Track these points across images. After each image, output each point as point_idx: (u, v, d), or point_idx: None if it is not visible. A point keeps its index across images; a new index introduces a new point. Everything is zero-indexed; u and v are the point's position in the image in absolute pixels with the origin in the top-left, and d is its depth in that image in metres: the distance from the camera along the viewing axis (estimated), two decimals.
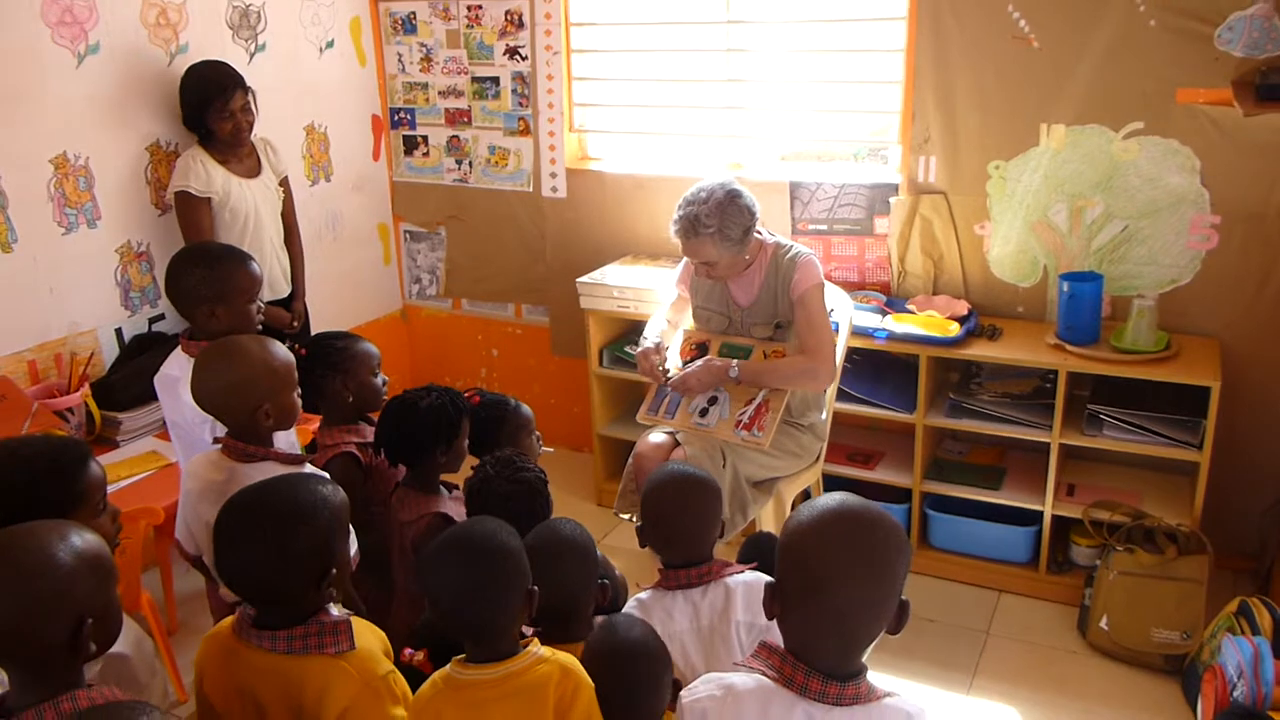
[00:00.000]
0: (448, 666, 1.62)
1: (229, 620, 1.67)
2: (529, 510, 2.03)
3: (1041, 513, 3.10)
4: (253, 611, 1.63)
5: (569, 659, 1.64)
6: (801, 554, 1.36)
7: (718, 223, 2.73)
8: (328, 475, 1.79)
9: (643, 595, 1.97)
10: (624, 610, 1.94)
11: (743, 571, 1.97)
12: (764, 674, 1.37)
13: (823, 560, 1.34)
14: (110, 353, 3.25)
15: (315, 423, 2.85)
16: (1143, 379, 2.90)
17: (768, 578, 1.93)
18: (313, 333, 3.40)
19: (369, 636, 1.68)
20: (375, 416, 2.44)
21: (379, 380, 2.47)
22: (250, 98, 3.18)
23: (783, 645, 1.41)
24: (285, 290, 3.40)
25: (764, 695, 1.36)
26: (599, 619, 1.85)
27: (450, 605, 1.59)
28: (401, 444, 2.26)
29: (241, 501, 1.64)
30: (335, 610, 1.64)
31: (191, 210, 3.13)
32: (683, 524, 1.96)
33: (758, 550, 2.20)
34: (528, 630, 1.76)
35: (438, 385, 2.35)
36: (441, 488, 2.33)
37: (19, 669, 1.41)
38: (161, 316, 3.38)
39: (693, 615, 1.91)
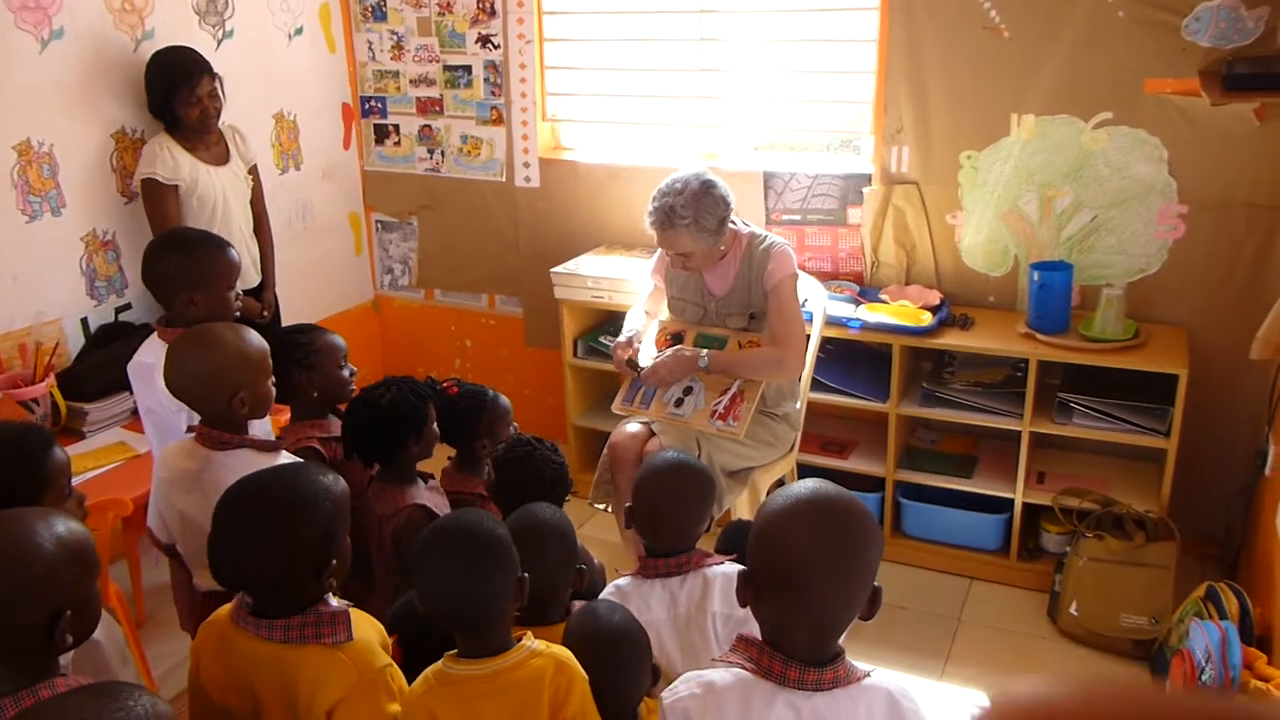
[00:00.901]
0: (440, 662, 1.61)
1: (227, 607, 1.65)
2: (554, 492, 2.08)
3: (1012, 500, 3.12)
4: (250, 599, 1.61)
5: (564, 653, 1.63)
6: (774, 543, 1.37)
7: (693, 213, 2.74)
8: (326, 464, 1.77)
9: (621, 582, 1.97)
10: (602, 596, 1.94)
11: (722, 563, 1.98)
12: (742, 667, 1.38)
13: (795, 549, 1.34)
14: (76, 343, 3.20)
15: (286, 413, 2.83)
16: (1112, 367, 2.93)
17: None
18: (283, 322, 3.43)
19: (367, 629, 1.67)
20: (344, 408, 2.43)
21: (346, 372, 2.45)
22: (218, 84, 3.15)
23: (752, 637, 1.41)
24: (255, 280, 3.37)
25: (744, 688, 1.37)
26: (578, 604, 1.85)
27: (442, 598, 1.58)
28: (371, 443, 2.25)
29: (242, 492, 1.62)
30: (334, 601, 1.63)
31: (159, 198, 3.09)
32: (676, 513, 1.97)
33: (736, 539, 2.21)
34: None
35: (394, 377, 2.34)
36: (418, 478, 2.32)
37: None
38: (128, 306, 3.34)
39: (670, 604, 1.92)
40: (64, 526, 1.43)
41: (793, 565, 1.33)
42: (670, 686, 1.45)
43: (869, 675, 1.39)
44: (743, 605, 1.43)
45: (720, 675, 1.40)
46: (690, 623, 1.91)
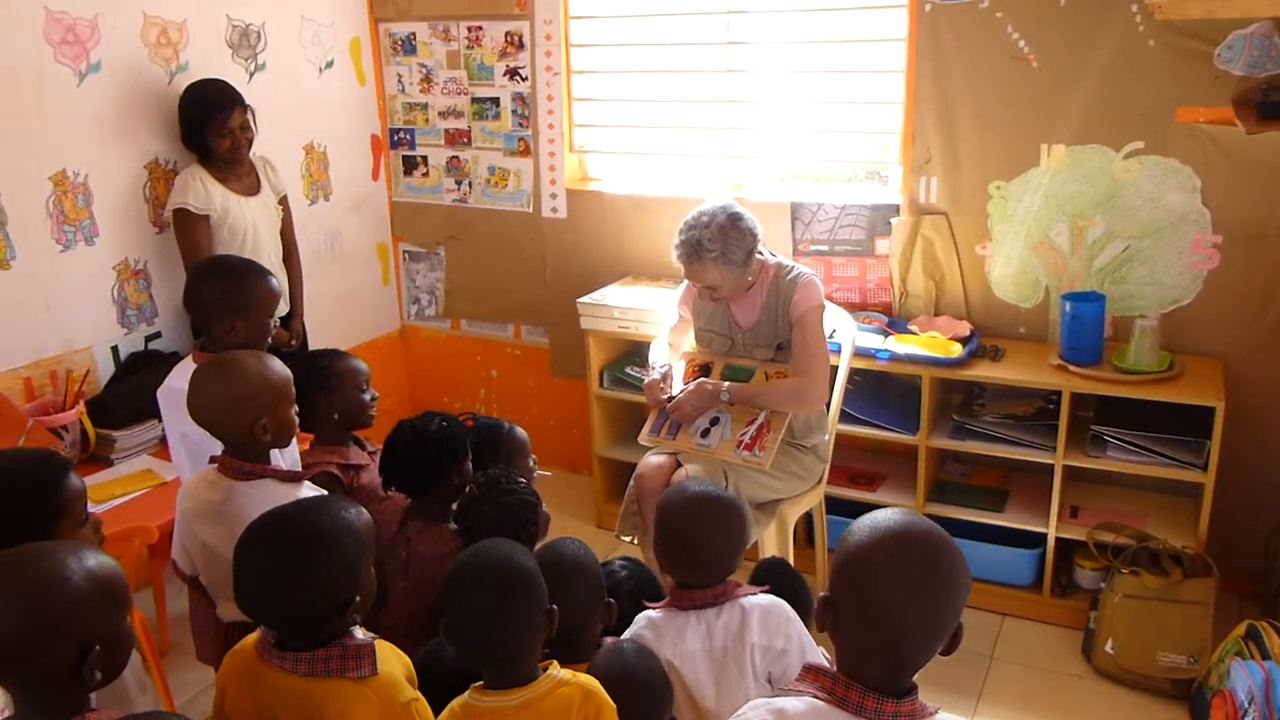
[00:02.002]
0: (465, 694, 1.60)
1: (252, 638, 1.65)
2: (514, 535, 1.95)
3: (1045, 535, 3.08)
4: (274, 634, 1.61)
5: (591, 682, 1.62)
6: (863, 575, 1.35)
7: (720, 247, 2.74)
8: (350, 499, 1.77)
9: (654, 614, 1.94)
10: (635, 629, 1.91)
11: (756, 593, 1.94)
12: (815, 695, 1.36)
13: (886, 585, 1.33)
14: (106, 370, 3.24)
15: (308, 441, 2.84)
16: (1146, 399, 2.89)
17: (782, 601, 1.93)
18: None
19: (393, 661, 1.65)
20: (362, 436, 2.43)
21: (367, 396, 2.46)
22: (249, 115, 3.20)
23: (822, 666, 1.40)
24: (284, 309, 3.38)
25: (818, 717, 1.35)
26: (607, 640, 1.83)
27: (474, 633, 1.57)
28: (415, 470, 2.23)
29: (265, 527, 1.61)
30: (359, 634, 1.62)
31: (190, 228, 3.13)
32: (717, 546, 1.92)
33: (769, 576, 2.15)
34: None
35: (436, 411, 2.34)
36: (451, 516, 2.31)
37: (23, 690, 1.38)
38: (158, 334, 3.37)
39: (705, 636, 1.89)
40: (94, 560, 1.41)
41: (883, 601, 1.32)
42: (738, 713, 1.43)
43: (938, 713, 1.38)
44: (820, 630, 1.41)
45: (792, 704, 1.37)
46: (727, 654, 1.88)
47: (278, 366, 2.08)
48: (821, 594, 1.40)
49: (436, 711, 1.63)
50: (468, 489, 2.12)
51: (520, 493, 2.12)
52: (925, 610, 1.33)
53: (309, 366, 2.42)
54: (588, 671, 1.70)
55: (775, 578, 2.09)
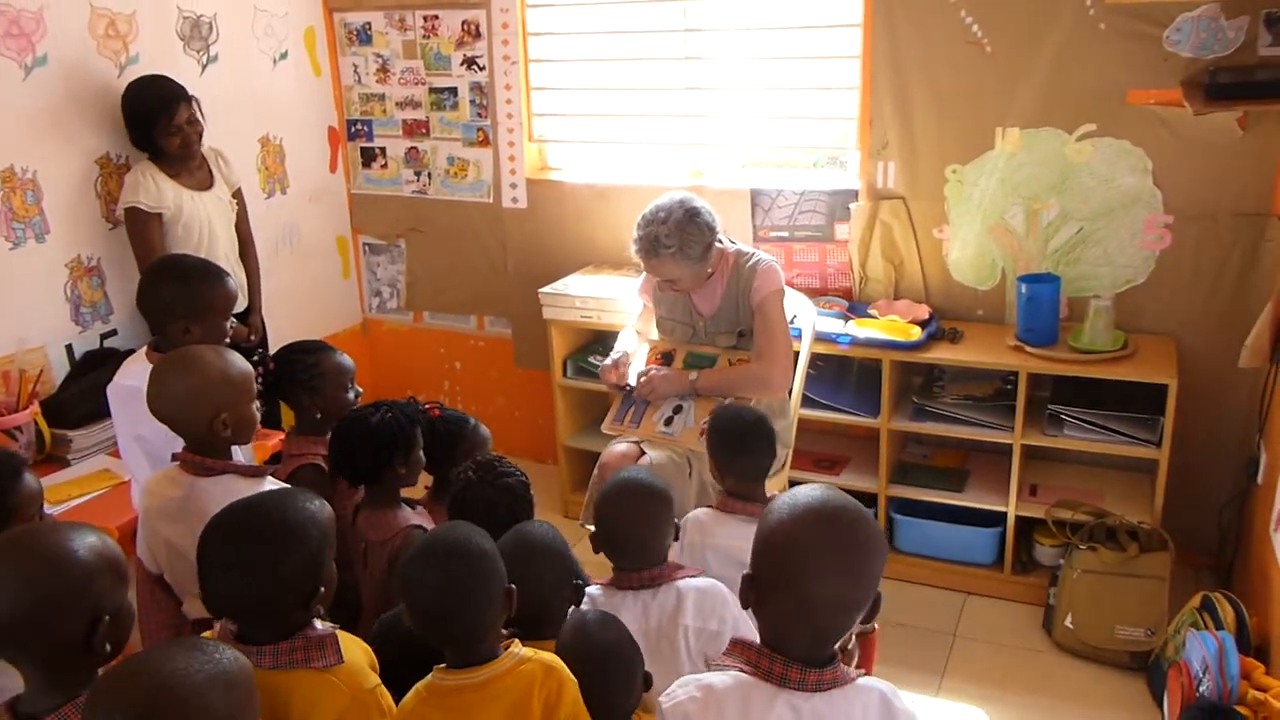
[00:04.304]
0: (430, 675, 1.61)
1: (207, 635, 1.62)
2: (512, 516, 2.03)
3: (1005, 514, 3.12)
4: (234, 627, 1.60)
5: (551, 658, 1.65)
6: (780, 547, 1.39)
7: (678, 242, 2.75)
8: (308, 490, 1.77)
9: (593, 591, 1.98)
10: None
11: (694, 576, 1.99)
12: (740, 670, 1.40)
13: (801, 558, 1.37)
14: (60, 369, 3.17)
15: (274, 438, 2.82)
16: (1101, 378, 2.94)
17: (720, 584, 1.98)
18: (271, 348, 3.38)
19: (355, 650, 1.67)
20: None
21: (351, 395, 2.45)
22: (196, 107, 3.14)
23: (747, 640, 1.44)
24: (242, 305, 3.35)
25: (743, 690, 1.39)
26: (572, 610, 1.85)
27: (431, 611, 1.59)
28: (359, 462, 2.24)
29: (228, 521, 1.61)
30: (319, 624, 1.63)
31: (142, 226, 3.08)
32: (633, 532, 1.98)
33: None
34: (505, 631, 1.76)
35: (386, 400, 2.33)
36: (403, 504, 2.31)
37: (35, 667, 1.41)
38: (114, 332, 3.32)
39: (641, 616, 1.93)
40: (96, 536, 1.45)
41: (798, 570, 1.36)
42: (667, 691, 1.46)
43: (861, 676, 1.43)
44: (745, 607, 1.44)
45: (719, 678, 1.41)
46: (661, 635, 1.92)
47: (238, 361, 2.08)
48: (744, 572, 1.44)
49: (396, 681, 1.65)
50: (461, 476, 2.14)
51: (517, 474, 2.16)
52: (842, 582, 1.36)
53: (292, 363, 2.40)
54: (555, 648, 1.72)
55: None
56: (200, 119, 3.16)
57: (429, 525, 2.28)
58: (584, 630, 1.74)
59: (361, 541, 2.23)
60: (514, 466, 2.17)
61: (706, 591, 1.94)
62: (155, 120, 3.06)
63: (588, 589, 1.95)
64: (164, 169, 3.13)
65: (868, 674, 1.47)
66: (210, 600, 1.59)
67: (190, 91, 3.14)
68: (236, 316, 3.23)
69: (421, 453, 2.31)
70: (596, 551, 2.03)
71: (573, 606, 1.87)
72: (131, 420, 2.36)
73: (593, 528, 2.86)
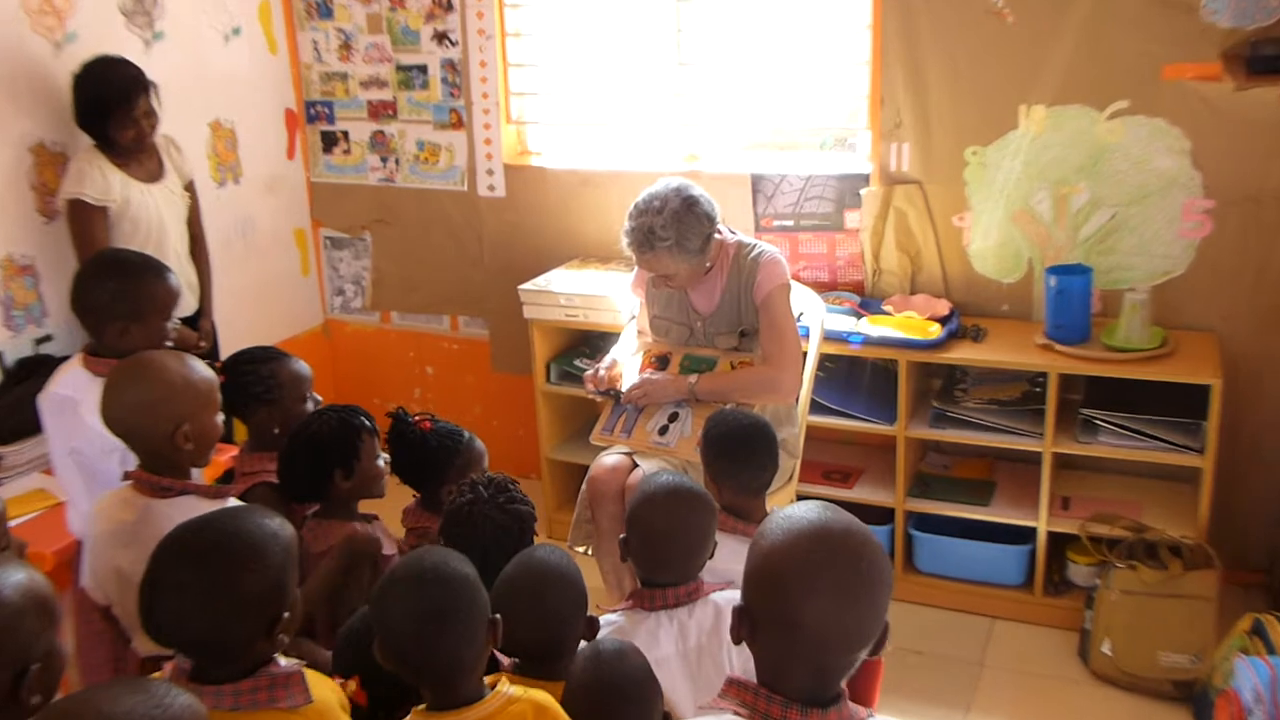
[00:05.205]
0: (408, 717, 1.61)
1: (156, 677, 1.60)
2: (515, 546, 2.03)
3: (1035, 529, 3.13)
4: (188, 665, 1.58)
5: (543, 696, 1.64)
6: (773, 578, 1.36)
7: (674, 234, 2.76)
8: (283, 503, 1.80)
9: (615, 617, 1.97)
10: (601, 635, 1.94)
11: (726, 588, 1.99)
12: (735, 713, 1.37)
13: (796, 586, 1.34)
14: None
15: (225, 454, 2.83)
16: (1139, 379, 2.95)
17: None
18: (223, 353, 3.36)
19: (324, 689, 1.66)
20: None
21: (310, 405, 2.46)
22: (154, 97, 3.15)
23: (742, 679, 1.41)
24: (192, 307, 3.37)
25: None
26: (581, 644, 1.85)
27: (408, 647, 1.59)
28: (297, 478, 2.28)
29: (180, 541, 1.59)
30: (283, 661, 1.62)
31: (86, 221, 3.09)
32: (679, 543, 1.99)
33: None
34: (506, 661, 1.80)
35: (333, 406, 2.36)
36: (357, 516, 2.36)
37: None
38: (49, 338, 3.32)
39: (678, 637, 1.94)
40: (24, 574, 1.43)
41: (793, 603, 1.33)
42: None
43: (870, 716, 1.41)
44: (736, 642, 1.43)
45: None
46: (703, 654, 1.92)
47: (201, 369, 2.09)
48: (735, 604, 1.42)
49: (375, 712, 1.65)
50: (467, 492, 2.14)
51: (529, 502, 2.16)
52: (846, 615, 1.33)
53: (244, 374, 2.42)
54: (566, 685, 1.71)
55: None
56: (157, 109, 3.16)
57: (385, 539, 2.33)
58: (599, 664, 1.72)
59: (307, 556, 2.21)
60: (522, 493, 2.17)
61: None
62: (111, 111, 3.06)
63: (610, 615, 1.97)
64: (112, 158, 3.13)
65: (872, 708, 1.45)
66: (160, 630, 1.57)
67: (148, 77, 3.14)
68: (186, 321, 3.27)
69: (380, 462, 2.33)
70: (624, 559, 2.04)
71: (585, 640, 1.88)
72: (66, 433, 2.37)
73: (582, 549, 2.93)
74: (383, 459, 2.36)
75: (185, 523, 1.65)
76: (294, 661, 1.65)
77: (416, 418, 2.44)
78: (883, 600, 1.37)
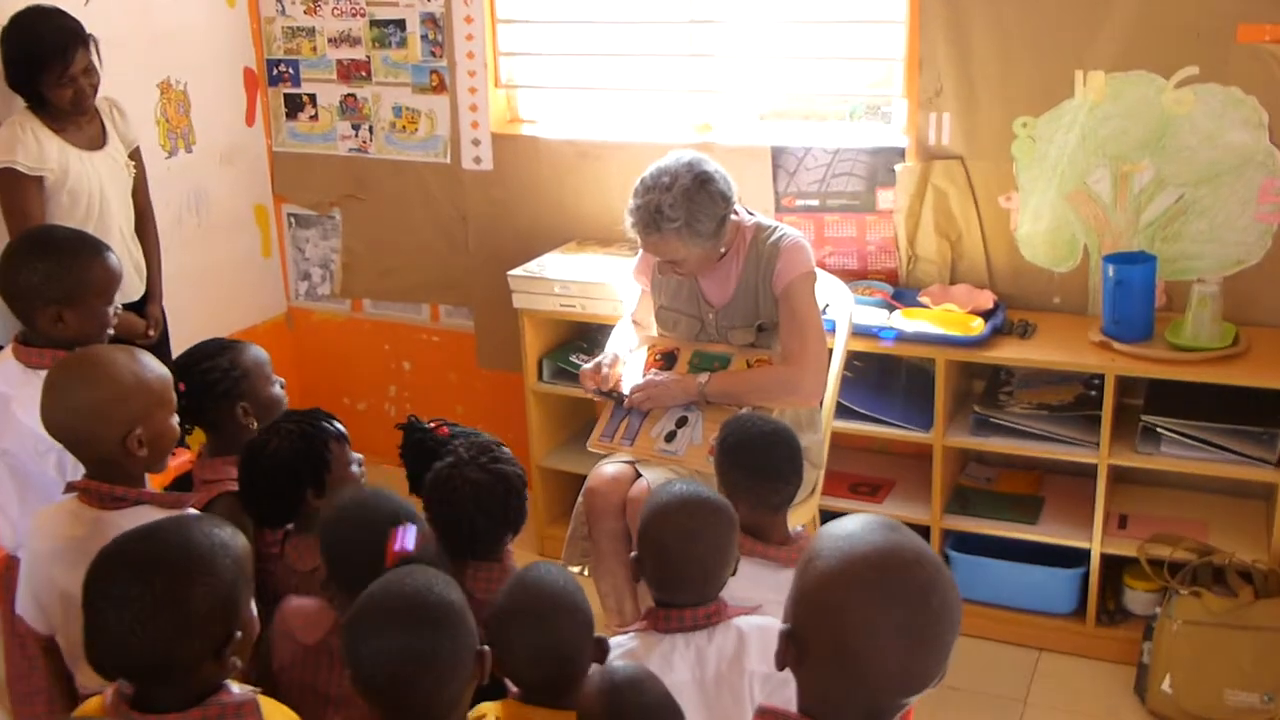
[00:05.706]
0: None
1: (95, 701, 1.62)
2: (501, 509, 2.10)
3: (1088, 551, 3.13)
4: (130, 690, 1.57)
5: None
6: (832, 612, 1.35)
7: (684, 215, 2.74)
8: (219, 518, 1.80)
9: (626, 640, 1.97)
10: (613, 660, 1.93)
11: (750, 612, 2.00)
12: None
13: (861, 628, 1.33)
14: None
15: (180, 458, 2.82)
16: (1207, 382, 2.95)
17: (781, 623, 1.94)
18: (172, 344, 3.41)
19: (280, 719, 1.67)
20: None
21: (277, 388, 2.51)
22: (94, 53, 3.12)
23: (778, 710, 1.41)
24: (139, 291, 3.35)
25: None
26: (593, 668, 1.85)
27: (385, 682, 1.59)
28: (261, 504, 2.27)
29: (119, 551, 1.59)
30: (235, 688, 1.62)
31: (19, 192, 3.07)
32: (696, 561, 1.98)
33: None
34: (513, 689, 1.83)
35: (293, 412, 2.36)
36: None
37: None
38: None
39: (695, 663, 1.93)
40: None
41: (852, 638, 1.33)
42: None
43: None
44: (781, 667, 1.41)
45: None
46: (722, 684, 1.93)
47: (155, 365, 2.09)
48: (782, 627, 1.40)
49: None
50: (448, 457, 2.18)
51: (517, 466, 2.20)
52: (912, 658, 1.33)
53: (207, 371, 2.41)
54: (577, 713, 1.72)
55: None
56: (98, 66, 3.14)
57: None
58: (614, 694, 1.70)
59: (293, 575, 2.23)
60: (512, 456, 2.21)
61: (771, 631, 1.89)
62: (44, 68, 3.04)
63: (619, 638, 1.97)
64: (47, 122, 3.12)
65: None
66: (101, 652, 1.55)
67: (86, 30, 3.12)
68: (132, 307, 3.28)
69: (355, 468, 2.33)
70: (636, 580, 2.06)
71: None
72: None
73: (578, 569, 2.95)
74: (356, 463, 2.35)
75: (125, 533, 1.64)
76: (247, 689, 1.65)
77: (432, 424, 2.44)
78: (951, 641, 1.36)
